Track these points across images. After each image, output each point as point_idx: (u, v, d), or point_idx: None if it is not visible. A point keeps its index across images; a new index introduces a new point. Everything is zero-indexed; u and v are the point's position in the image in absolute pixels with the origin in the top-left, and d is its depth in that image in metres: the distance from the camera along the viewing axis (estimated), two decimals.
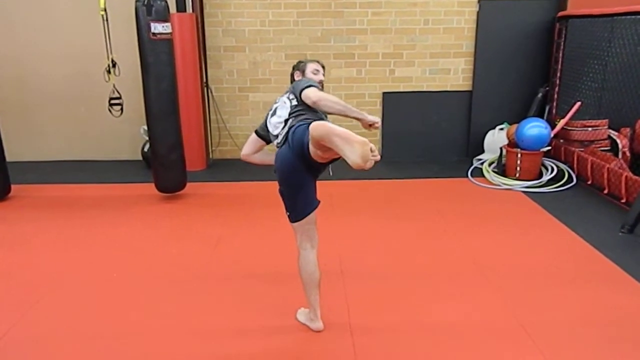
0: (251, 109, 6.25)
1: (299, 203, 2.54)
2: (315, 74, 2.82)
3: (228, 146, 6.34)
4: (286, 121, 2.57)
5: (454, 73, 6.18)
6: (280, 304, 2.97)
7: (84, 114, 6.08)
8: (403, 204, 4.75)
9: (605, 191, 4.72)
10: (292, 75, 2.91)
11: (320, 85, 2.70)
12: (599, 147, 5.19)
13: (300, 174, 2.48)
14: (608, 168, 4.68)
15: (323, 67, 2.91)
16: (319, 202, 2.60)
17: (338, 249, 3.57)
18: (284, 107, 2.63)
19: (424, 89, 6.16)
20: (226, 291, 3.15)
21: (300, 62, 2.92)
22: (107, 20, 4.51)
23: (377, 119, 2.52)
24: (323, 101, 2.43)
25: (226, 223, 4.26)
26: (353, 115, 2.47)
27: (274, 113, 2.67)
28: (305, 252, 2.62)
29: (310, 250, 2.61)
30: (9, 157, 4.87)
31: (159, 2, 4.29)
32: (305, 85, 2.54)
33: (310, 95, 2.47)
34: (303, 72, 2.84)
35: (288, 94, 2.68)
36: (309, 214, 2.56)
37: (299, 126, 2.44)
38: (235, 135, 6.29)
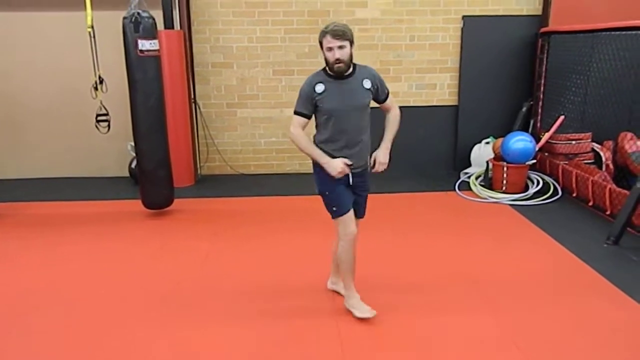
0: (239, 125, 6.26)
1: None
2: (328, 51, 2.61)
3: (216, 162, 6.33)
4: None
5: (440, 88, 6.26)
6: (269, 318, 2.96)
7: (71, 130, 6.04)
8: (391, 217, 4.77)
9: (590, 203, 4.78)
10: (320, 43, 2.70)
11: (340, 63, 2.62)
12: (583, 160, 5.26)
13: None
14: (592, 180, 4.75)
15: (342, 34, 2.58)
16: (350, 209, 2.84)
17: (326, 264, 3.55)
18: None
19: (411, 104, 6.22)
20: (214, 307, 3.13)
21: (323, 30, 2.63)
22: (94, 37, 4.51)
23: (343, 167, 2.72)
24: (293, 140, 2.77)
25: (214, 239, 4.24)
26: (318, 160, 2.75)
27: None
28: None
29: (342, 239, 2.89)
30: None
31: (146, 19, 4.31)
32: (295, 107, 2.76)
33: (290, 126, 2.77)
34: (321, 46, 2.66)
35: None
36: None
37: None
38: (224, 151, 6.29)
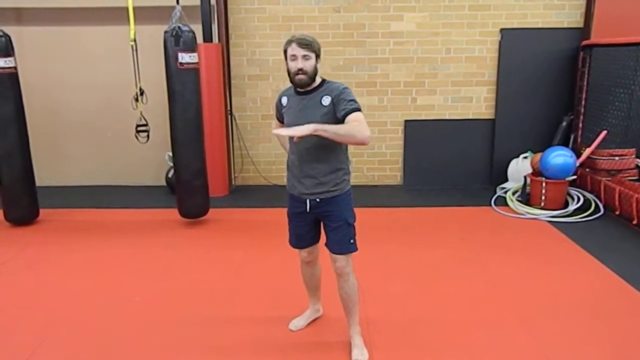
0: (274, 137, 6.29)
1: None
2: (292, 60, 2.42)
3: (250, 173, 6.40)
4: None
5: (476, 101, 6.17)
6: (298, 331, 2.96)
7: (110, 140, 6.23)
8: (425, 232, 4.70)
9: (635, 222, 4.60)
10: None
11: (302, 75, 2.42)
12: (627, 176, 5.08)
13: None
14: (637, 198, 4.57)
15: (308, 44, 2.40)
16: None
17: (359, 277, 3.53)
18: None
19: (446, 117, 6.16)
20: (246, 317, 3.14)
21: (289, 39, 2.44)
22: (136, 50, 4.66)
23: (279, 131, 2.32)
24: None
25: (247, 249, 4.27)
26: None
27: None
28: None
29: None
30: (38, 181, 5.00)
31: (186, 33, 4.42)
32: None
33: None
34: (285, 56, 2.47)
35: None
36: None
37: None
38: (258, 162, 6.35)
